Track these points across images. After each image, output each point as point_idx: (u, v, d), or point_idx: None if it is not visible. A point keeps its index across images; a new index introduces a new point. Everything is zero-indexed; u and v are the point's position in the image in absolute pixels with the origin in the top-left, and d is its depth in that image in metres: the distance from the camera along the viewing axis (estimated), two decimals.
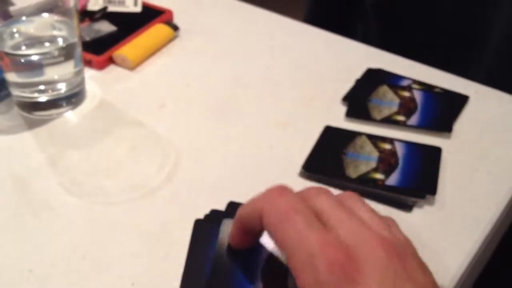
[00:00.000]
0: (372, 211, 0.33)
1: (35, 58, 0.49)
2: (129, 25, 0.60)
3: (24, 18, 0.49)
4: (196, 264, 0.38)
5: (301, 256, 0.30)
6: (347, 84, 0.55)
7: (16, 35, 0.50)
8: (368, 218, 0.32)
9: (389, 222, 0.34)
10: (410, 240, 0.33)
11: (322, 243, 0.30)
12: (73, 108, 0.52)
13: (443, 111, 0.51)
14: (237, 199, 0.43)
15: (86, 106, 0.52)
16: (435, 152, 0.47)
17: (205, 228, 0.41)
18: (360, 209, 0.33)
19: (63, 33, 0.50)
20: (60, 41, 0.50)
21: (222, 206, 0.42)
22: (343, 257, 0.29)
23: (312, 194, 0.34)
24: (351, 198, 0.34)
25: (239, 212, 0.36)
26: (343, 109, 0.53)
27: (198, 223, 0.41)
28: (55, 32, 0.50)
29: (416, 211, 0.43)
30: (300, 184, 0.45)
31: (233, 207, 0.42)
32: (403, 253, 0.30)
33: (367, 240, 0.30)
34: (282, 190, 0.34)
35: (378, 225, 0.32)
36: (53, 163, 0.47)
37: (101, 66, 0.57)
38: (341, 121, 0.51)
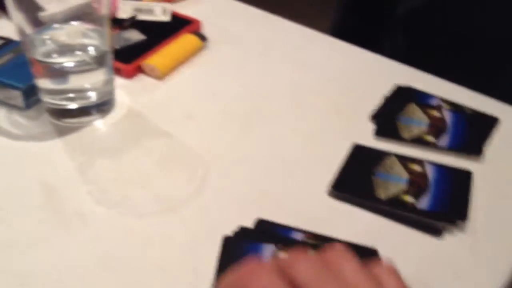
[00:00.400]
0: (360, 270, 0.31)
1: (66, 66, 0.49)
2: (157, 34, 0.61)
3: (55, 25, 0.50)
4: None
5: None
6: (375, 100, 0.55)
7: (48, 42, 0.50)
8: (355, 282, 0.30)
9: (381, 276, 0.31)
10: None
11: None
12: (102, 117, 0.52)
13: (473, 133, 0.51)
14: (264, 214, 0.43)
15: (115, 115, 0.52)
16: (465, 176, 0.47)
17: (234, 245, 0.40)
18: (346, 269, 0.31)
19: (94, 41, 0.50)
20: (91, 50, 0.50)
21: (249, 220, 0.43)
22: None
23: (292, 262, 0.31)
24: (336, 256, 0.32)
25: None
26: (370, 125, 0.52)
27: (226, 240, 0.41)
28: (86, 41, 0.51)
29: (446, 237, 0.43)
30: (328, 202, 0.45)
31: (261, 225, 0.42)
32: None
33: None
34: (253, 270, 0.31)
35: None
36: (82, 172, 0.47)
37: (130, 75, 0.57)
38: (369, 138, 0.51)
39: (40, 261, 0.40)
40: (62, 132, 0.50)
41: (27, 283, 0.38)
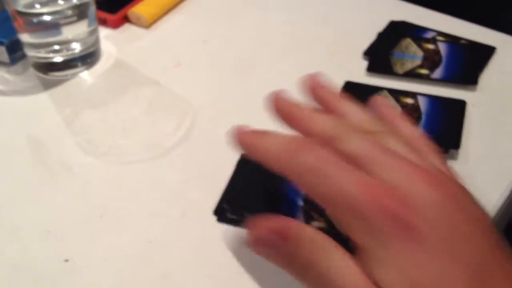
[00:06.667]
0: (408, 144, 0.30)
1: (48, 17, 0.48)
2: None
3: None
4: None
5: (345, 210, 0.26)
6: (370, 38, 0.53)
7: None
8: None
9: (429, 151, 0.31)
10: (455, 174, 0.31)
11: (366, 190, 0.26)
12: (88, 68, 0.51)
13: (468, 63, 0.49)
14: None
15: (101, 65, 0.52)
16: (459, 106, 0.45)
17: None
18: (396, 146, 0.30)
19: None
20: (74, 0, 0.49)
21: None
22: (395, 204, 0.25)
23: (343, 134, 0.30)
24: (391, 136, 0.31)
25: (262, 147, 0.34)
26: (364, 63, 0.51)
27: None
28: None
29: None
30: None
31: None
32: (457, 192, 0.28)
33: (415, 180, 0.26)
34: (305, 143, 0.30)
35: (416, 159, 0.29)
36: (69, 123, 0.46)
37: (116, 25, 0.56)
38: (362, 76, 0.50)
39: (30, 214, 0.40)
40: (48, 85, 0.50)
41: (16, 234, 0.38)
